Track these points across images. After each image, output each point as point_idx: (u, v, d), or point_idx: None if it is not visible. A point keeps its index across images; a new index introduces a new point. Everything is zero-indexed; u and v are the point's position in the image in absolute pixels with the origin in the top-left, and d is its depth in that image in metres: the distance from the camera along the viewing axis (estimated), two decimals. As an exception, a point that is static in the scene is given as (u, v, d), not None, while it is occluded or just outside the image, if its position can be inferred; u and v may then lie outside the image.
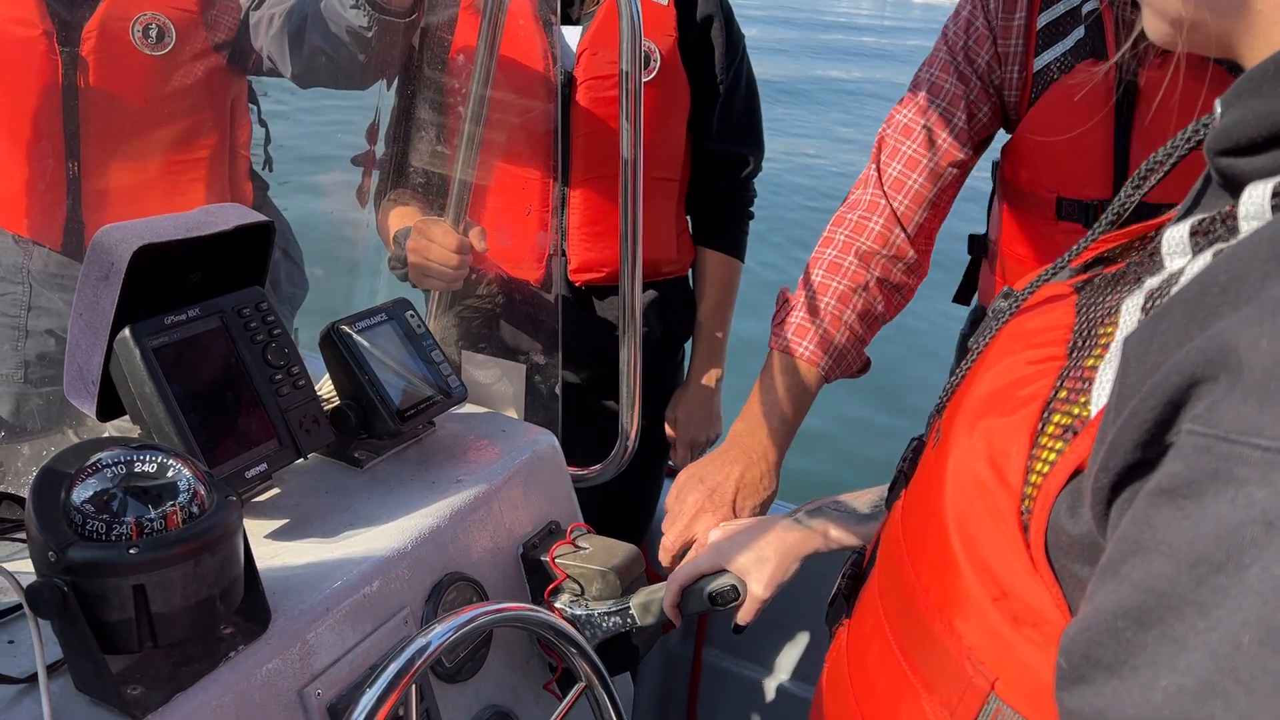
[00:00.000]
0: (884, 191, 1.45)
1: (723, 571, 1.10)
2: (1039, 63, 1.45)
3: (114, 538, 0.76)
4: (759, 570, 1.08)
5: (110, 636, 0.77)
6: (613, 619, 1.13)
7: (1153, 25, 0.59)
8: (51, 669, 0.80)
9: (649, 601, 1.12)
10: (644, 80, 1.62)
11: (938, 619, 0.62)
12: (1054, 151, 1.46)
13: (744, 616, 1.10)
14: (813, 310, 1.40)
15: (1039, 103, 1.46)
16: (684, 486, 1.33)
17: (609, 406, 1.69)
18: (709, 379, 1.96)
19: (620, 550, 1.18)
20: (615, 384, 1.56)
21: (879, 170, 1.47)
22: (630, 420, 1.47)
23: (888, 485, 0.87)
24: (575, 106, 1.69)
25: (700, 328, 1.96)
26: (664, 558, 1.29)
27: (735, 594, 1.08)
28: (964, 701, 0.59)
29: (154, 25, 1.77)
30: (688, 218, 1.95)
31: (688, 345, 2.02)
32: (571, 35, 1.71)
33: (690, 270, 1.98)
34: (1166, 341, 0.45)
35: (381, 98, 1.75)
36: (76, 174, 1.79)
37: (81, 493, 0.77)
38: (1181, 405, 0.43)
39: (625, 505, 1.94)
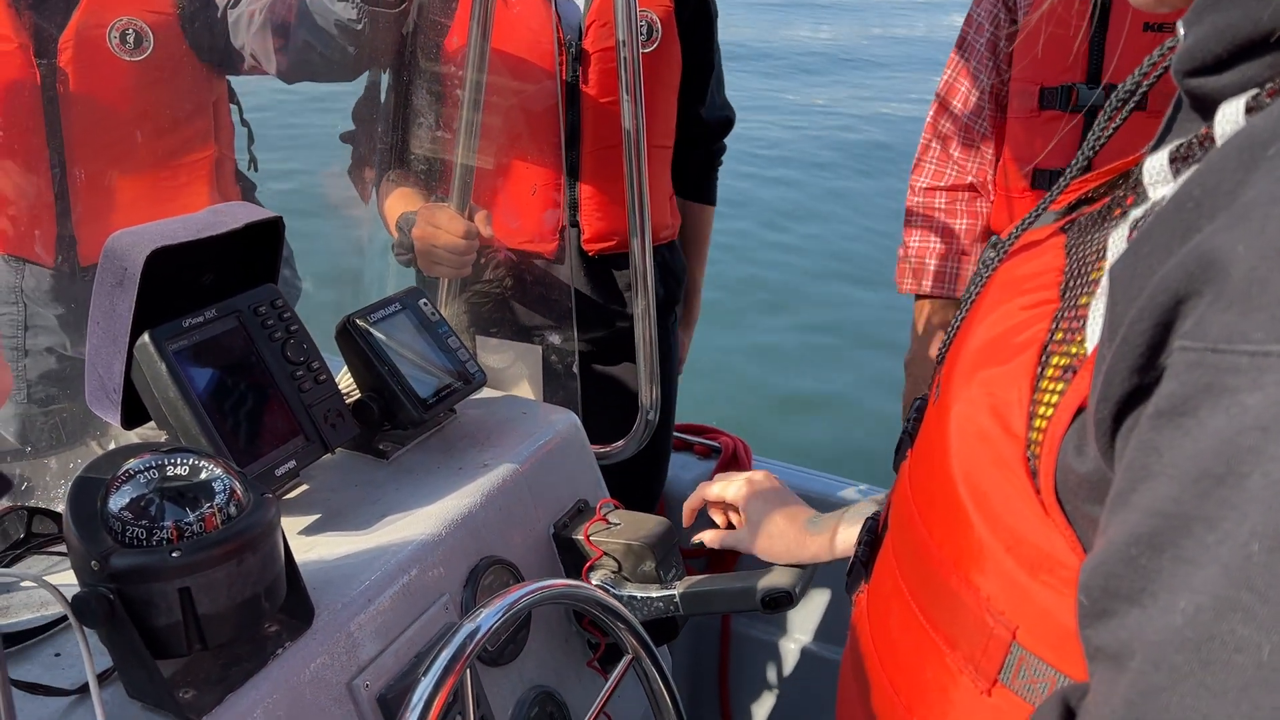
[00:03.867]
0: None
1: (772, 568, 1.09)
2: None
3: (155, 542, 0.76)
4: (761, 539, 1.09)
5: (159, 641, 0.77)
6: (656, 604, 1.13)
7: None
8: (101, 678, 0.80)
9: (697, 594, 1.12)
10: (647, 50, 1.64)
11: (953, 574, 0.61)
12: (1035, 43, 1.49)
13: (711, 539, 1.14)
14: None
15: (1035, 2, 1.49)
16: None
17: (622, 377, 1.72)
18: (687, 324, 2.12)
19: (651, 523, 1.18)
20: (627, 353, 1.56)
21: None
22: (649, 396, 1.47)
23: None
24: (585, 78, 1.69)
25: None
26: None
27: (789, 599, 1.06)
28: (987, 654, 0.59)
29: (131, 30, 1.73)
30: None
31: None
32: (577, 9, 1.72)
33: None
34: (1150, 263, 0.45)
35: (375, 76, 1.73)
36: (64, 187, 1.76)
37: (118, 500, 0.77)
38: (1171, 324, 0.43)
39: (635, 475, 1.95)
